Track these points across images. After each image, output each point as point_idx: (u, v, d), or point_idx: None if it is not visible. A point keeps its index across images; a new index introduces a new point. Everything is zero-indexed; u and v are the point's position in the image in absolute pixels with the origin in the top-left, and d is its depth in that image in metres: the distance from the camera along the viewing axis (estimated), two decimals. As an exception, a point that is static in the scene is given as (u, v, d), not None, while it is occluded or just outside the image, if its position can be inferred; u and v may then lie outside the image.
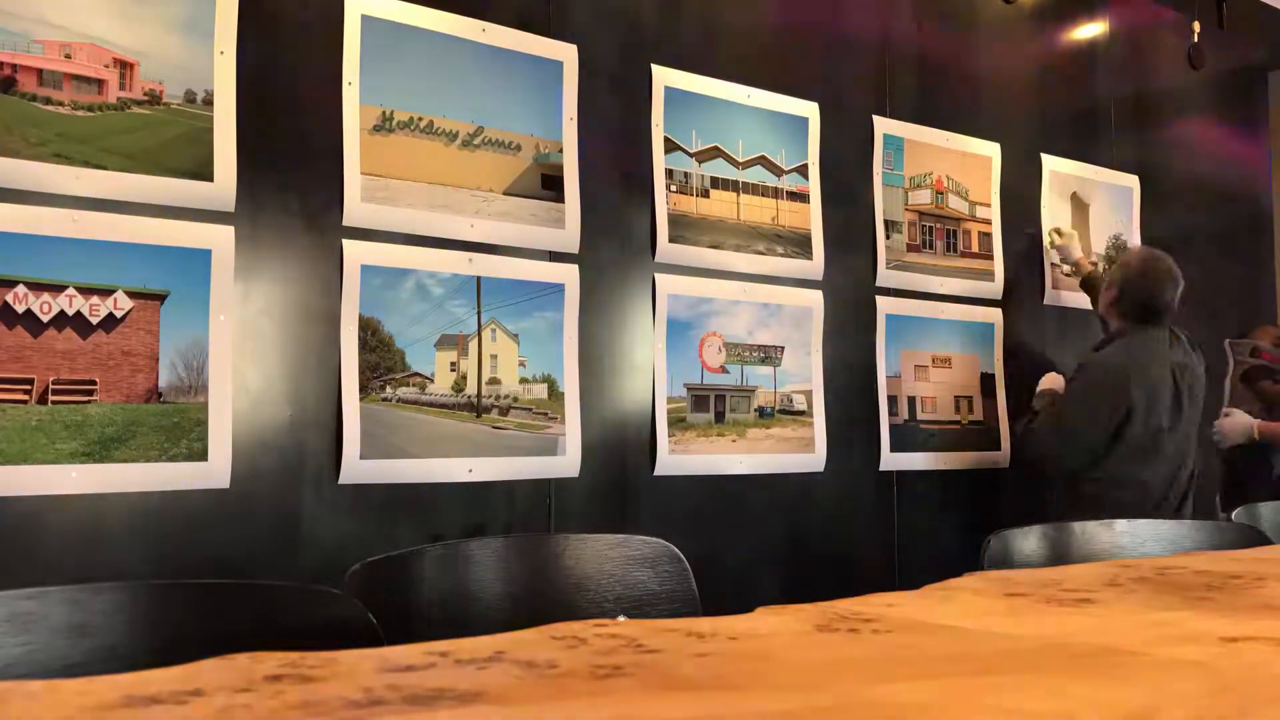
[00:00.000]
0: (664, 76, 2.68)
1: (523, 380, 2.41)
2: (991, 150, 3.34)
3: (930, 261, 3.16)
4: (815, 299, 2.90)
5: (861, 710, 0.64)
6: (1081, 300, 3.47)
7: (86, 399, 1.90)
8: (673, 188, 2.67)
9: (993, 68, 3.39)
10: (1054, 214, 3.50)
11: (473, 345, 2.35)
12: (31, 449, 1.83)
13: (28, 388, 1.85)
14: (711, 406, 2.70)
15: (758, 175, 2.82)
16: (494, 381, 2.37)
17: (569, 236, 2.48)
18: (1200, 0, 3.89)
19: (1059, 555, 1.58)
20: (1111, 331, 3.06)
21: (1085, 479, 2.94)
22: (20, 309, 1.85)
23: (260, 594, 1.08)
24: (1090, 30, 3.68)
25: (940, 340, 3.17)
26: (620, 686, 0.68)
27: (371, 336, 2.21)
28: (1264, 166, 4.26)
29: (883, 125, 3.09)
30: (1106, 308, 3.07)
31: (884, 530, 3.00)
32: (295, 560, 2.08)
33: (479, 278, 2.36)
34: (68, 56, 1.92)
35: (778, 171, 2.86)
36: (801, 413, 2.85)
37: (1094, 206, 3.63)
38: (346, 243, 2.19)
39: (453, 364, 2.32)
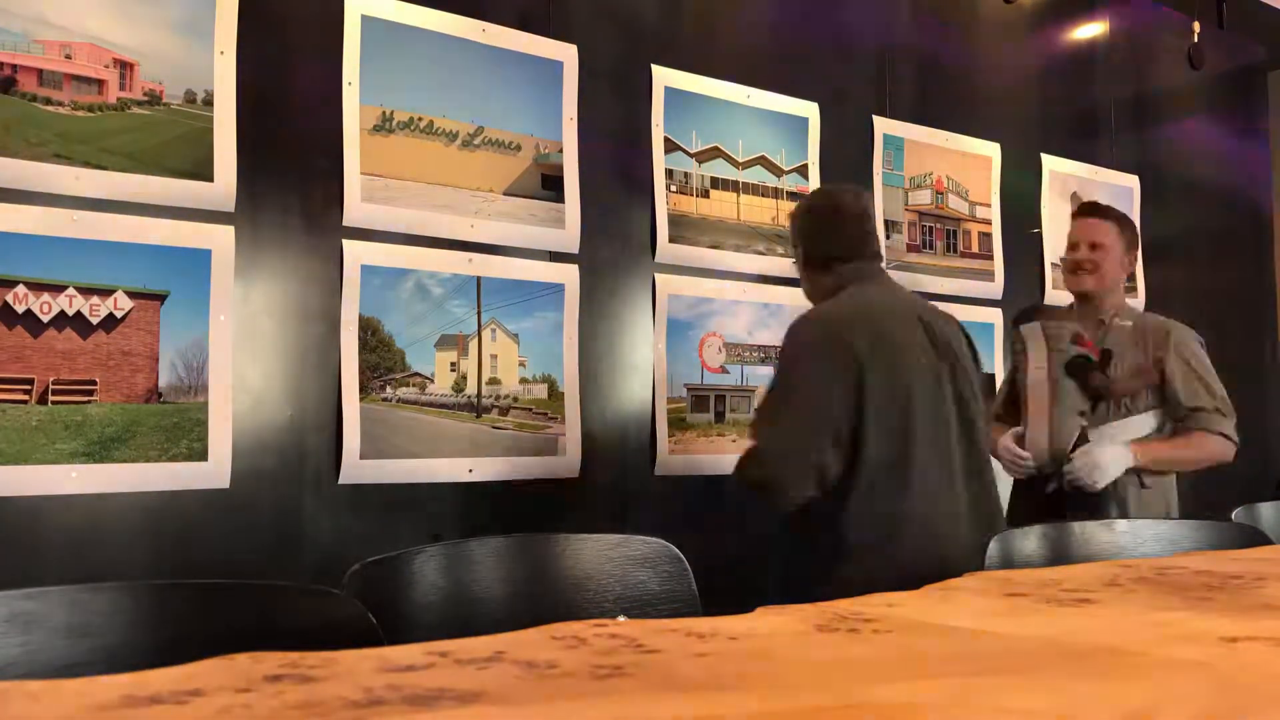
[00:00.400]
0: (664, 76, 2.68)
1: (523, 380, 2.40)
2: (991, 150, 3.34)
3: (930, 261, 3.16)
4: (815, 299, 2.90)
5: (861, 710, 0.64)
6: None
7: (86, 399, 1.90)
8: (673, 188, 2.67)
9: (993, 68, 3.39)
10: (1054, 214, 3.50)
11: (473, 345, 2.35)
12: (31, 449, 1.83)
13: (28, 388, 1.85)
14: (711, 406, 2.70)
15: (758, 175, 2.82)
16: (494, 381, 2.37)
17: (569, 236, 2.48)
18: (1200, 0, 3.89)
19: (1059, 555, 1.58)
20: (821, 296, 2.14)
21: (822, 513, 1.91)
22: (20, 309, 1.85)
23: (260, 594, 1.08)
24: (1090, 30, 3.68)
25: (940, 340, 3.17)
26: (620, 686, 0.68)
27: (371, 336, 2.21)
28: (1264, 166, 4.25)
29: (883, 125, 3.09)
30: (805, 274, 2.18)
31: (884, 530, 3.00)
32: (295, 560, 2.08)
33: (479, 278, 2.35)
34: (68, 56, 1.92)
35: (778, 171, 2.86)
36: (801, 413, 2.85)
37: (1094, 206, 3.63)
38: (346, 243, 2.18)
39: (453, 364, 2.32)
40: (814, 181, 2.92)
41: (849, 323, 1.98)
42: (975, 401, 2.04)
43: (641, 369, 2.59)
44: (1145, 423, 2.51)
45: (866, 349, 1.92)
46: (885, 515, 1.89)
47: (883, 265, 2.19)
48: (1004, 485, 2.32)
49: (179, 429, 1.97)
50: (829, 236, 2.12)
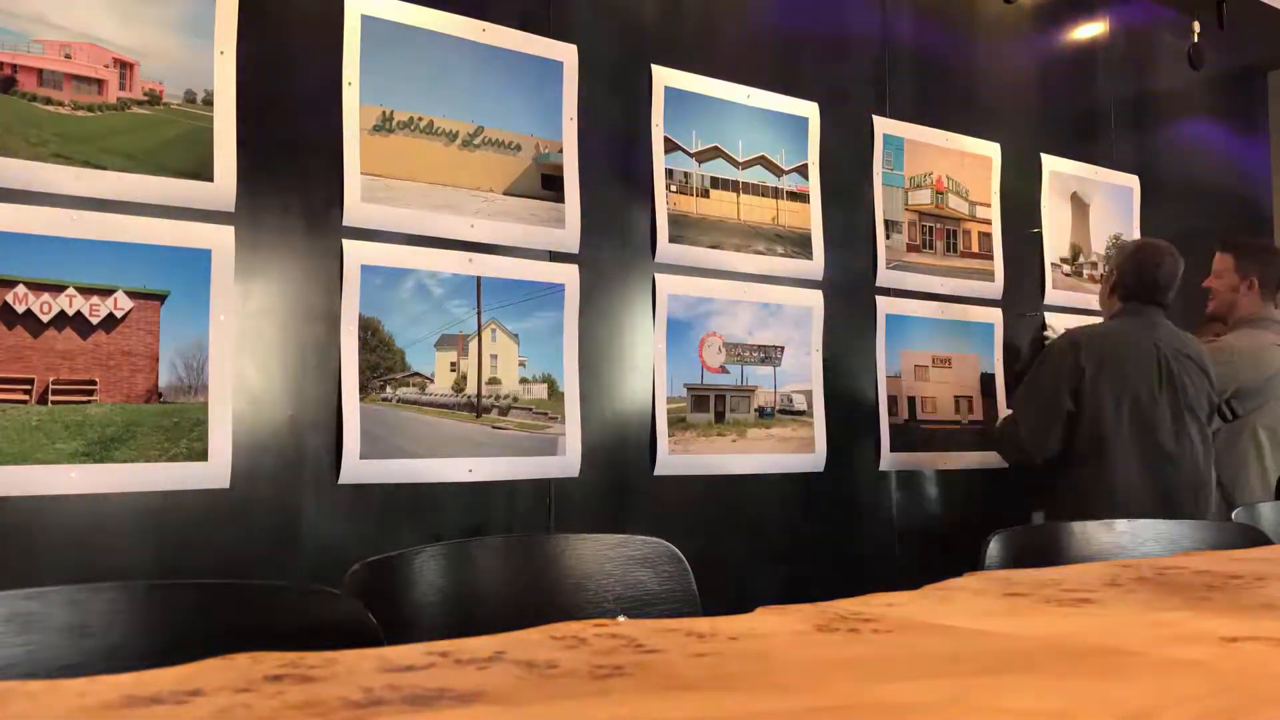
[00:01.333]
0: (664, 76, 2.68)
1: (523, 380, 2.41)
2: (991, 150, 3.34)
3: (930, 261, 3.16)
4: (815, 299, 2.90)
5: (861, 710, 0.64)
6: (1080, 300, 3.48)
7: (86, 399, 1.90)
8: (673, 188, 2.67)
9: (993, 68, 3.39)
10: (1054, 214, 3.50)
11: (473, 345, 2.35)
12: (31, 449, 1.83)
13: (28, 388, 1.85)
14: (711, 406, 2.69)
15: (758, 175, 2.82)
16: (494, 381, 2.37)
17: (569, 236, 2.48)
18: (1200, 0, 3.89)
19: (1059, 555, 1.58)
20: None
21: (1061, 477, 2.76)
22: (20, 309, 1.85)
23: (260, 594, 1.08)
24: (1090, 30, 3.68)
25: (940, 340, 3.17)
26: (620, 686, 0.68)
27: (371, 336, 2.21)
28: (1264, 166, 4.25)
29: (883, 125, 3.09)
30: (1106, 298, 2.94)
31: (884, 530, 3.00)
32: (295, 560, 2.08)
33: (479, 278, 2.36)
34: (68, 56, 1.92)
35: (778, 171, 2.86)
36: (801, 413, 2.85)
37: (1094, 206, 3.63)
38: (346, 243, 2.19)
39: (453, 364, 2.32)
40: (814, 181, 2.92)
41: (1086, 343, 2.75)
42: (1191, 410, 2.75)
43: (641, 369, 2.59)
44: None
45: (1093, 364, 2.70)
46: (1092, 476, 2.69)
47: (1162, 310, 2.84)
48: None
49: (179, 429, 1.97)
50: (1135, 279, 2.84)
